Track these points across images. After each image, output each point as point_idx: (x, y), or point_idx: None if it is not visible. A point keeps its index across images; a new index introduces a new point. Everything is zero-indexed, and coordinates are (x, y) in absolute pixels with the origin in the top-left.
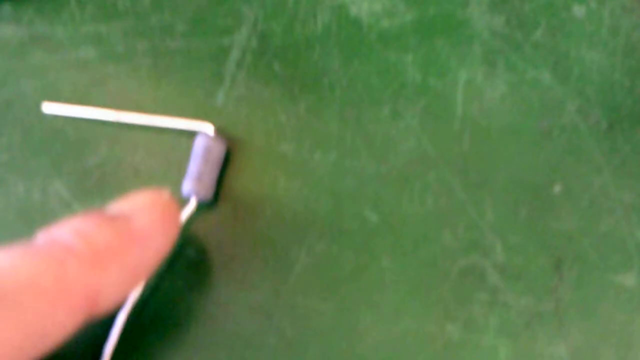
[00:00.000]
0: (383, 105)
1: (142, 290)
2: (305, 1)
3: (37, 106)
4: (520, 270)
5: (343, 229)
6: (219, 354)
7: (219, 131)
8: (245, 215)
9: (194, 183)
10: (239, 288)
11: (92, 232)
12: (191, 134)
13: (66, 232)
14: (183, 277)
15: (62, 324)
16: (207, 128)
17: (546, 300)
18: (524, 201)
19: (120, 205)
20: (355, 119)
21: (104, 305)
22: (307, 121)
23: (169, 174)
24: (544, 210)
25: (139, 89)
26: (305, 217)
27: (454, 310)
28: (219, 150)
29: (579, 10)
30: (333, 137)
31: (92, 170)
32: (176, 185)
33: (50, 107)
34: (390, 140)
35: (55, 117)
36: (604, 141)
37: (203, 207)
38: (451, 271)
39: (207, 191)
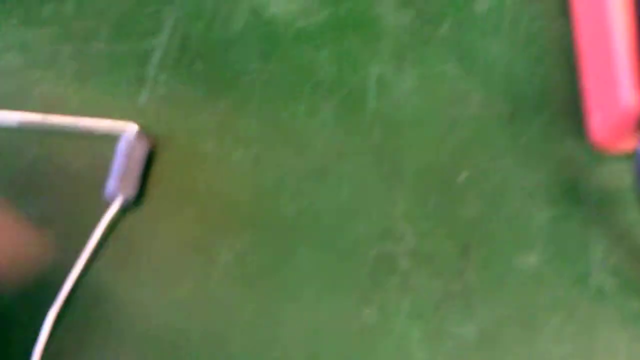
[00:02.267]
0: (300, 102)
1: (68, 291)
2: (224, 2)
3: None
4: (430, 255)
5: (263, 224)
6: (145, 351)
7: (143, 131)
8: (168, 213)
9: (118, 183)
10: (163, 285)
11: None
12: (116, 135)
13: None
14: (109, 276)
15: None
16: (130, 128)
17: (454, 282)
18: (433, 189)
19: None
20: (273, 116)
21: None
22: (228, 119)
23: (96, 174)
24: (451, 198)
25: (64, 93)
26: (227, 213)
27: (370, 295)
28: (142, 149)
29: (482, 4)
30: (253, 134)
31: (19, 174)
32: (102, 186)
33: None
34: (307, 135)
35: None
36: (506, 129)
37: (127, 206)
38: (366, 259)
39: (131, 190)
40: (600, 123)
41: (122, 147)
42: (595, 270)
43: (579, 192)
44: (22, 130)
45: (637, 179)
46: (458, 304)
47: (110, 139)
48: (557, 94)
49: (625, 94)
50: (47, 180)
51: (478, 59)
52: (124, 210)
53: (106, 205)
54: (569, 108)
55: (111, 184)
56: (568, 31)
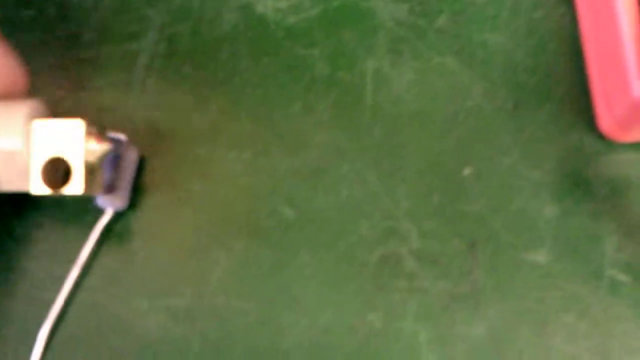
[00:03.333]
0: (294, 101)
1: (60, 305)
2: (211, 2)
3: None
4: (436, 255)
5: (260, 227)
6: None
7: (132, 138)
8: (163, 221)
9: (108, 194)
10: (160, 295)
11: None
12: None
13: None
14: (102, 288)
15: None
16: (118, 136)
17: (462, 282)
18: (436, 186)
19: None
20: (267, 116)
21: None
22: (220, 122)
23: None
24: (455, 194)
25: (49, 100)
26: (223, 218)
27: (374, 299)
28: (131, 157)
29: None
30: (246, 136)
31: None
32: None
33: None
34: (303, 135)
35: None
36: (510, 122)
37: (120, 215)
38: (369, 261)
39: (122, 200)
40: (609, 113)
41: (110, 158)
42: (607, 265)
43: (588, 184)
44: None
45: None
46: (467, 305)
47: None
48: (562, 83)
49: (634, 82)
50: None
51: (478, 51)
52: (116, 220)
53: (97, 216)
54: (575, 97)
55: (100, 197)
56: (570, 19)
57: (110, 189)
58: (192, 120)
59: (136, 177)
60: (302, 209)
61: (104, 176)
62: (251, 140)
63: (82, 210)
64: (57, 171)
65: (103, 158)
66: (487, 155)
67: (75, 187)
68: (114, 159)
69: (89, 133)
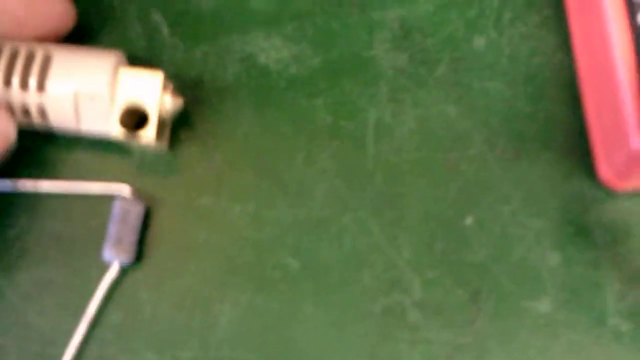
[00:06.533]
0: (297, 152)
1: (72, 358)
2: (214, 54)
3: None
4: (439, 305)
5: (266, 279)
6: None
7: (137, 191)
8: (169, 273)
9: (114, 248)
10: (166, 347)
11: None
12: (110, 197)
13: None
14: (110, 342)
15: None
16: (123, 190)
17: (466, 332)
18: (438, 235)
19: None
20: (270, 167)
21: None
22: (224, 173)
23: (91, 239)
24: (457, 243)
25: (55, 156)
26: (228, 270)
27: (379, 350)
28: (137, 211)
29: (479, 42)
30: (250, 187)
31: (12, 242)
32: (98, 249)
33: None
34: (306, 185)
35: None
36: (511, 169)
37: (126, 268)
38: (373, 311)
39: (128, 254)
40: (608, 162)
41: (116, 210)
42: (610, 314)
43: (589, 232)
44: (12, 198)
45: None
46: (470, 355)
47: (104, 201)
48: (562, 130)
49: (633, 133)
50: (41, 247)
51: (477, 99)
52: (122, 273)
53: (104, 269)
54: (575, 145)
55: (107, 250)
56: (569, 66)
57: (117, 242)
58: (196, 171)
59: (142, 230)
60: (306, 259)
61: (109, 231)
62: (255, 191)
63: (88, 265)
64: (133, 119)
65: (174, 114)
66: (488, 203)
67: (149, 133)
68: (120, 213)
69: (165, 86)
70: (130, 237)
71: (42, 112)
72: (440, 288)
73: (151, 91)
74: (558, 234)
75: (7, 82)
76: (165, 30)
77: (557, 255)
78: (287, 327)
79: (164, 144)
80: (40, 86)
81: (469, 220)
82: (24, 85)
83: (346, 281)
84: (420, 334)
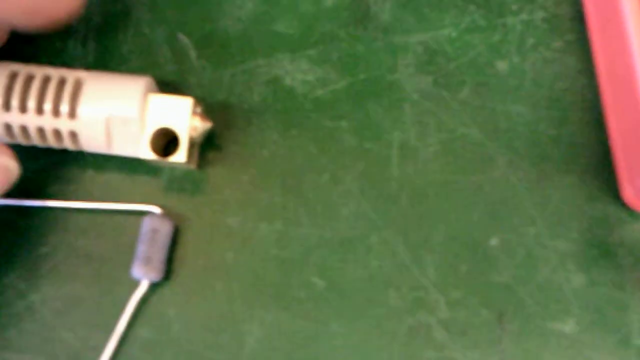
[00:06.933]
0: (322, 172)
1: None
2: (241, 76)
3: None
4: (464, 325)
5: (292, 297)
6: None
7: (166, 211)
8: (196, 291)
9: (143, 266)
10: None
11: None
12: (139, 214)
13: None
14: (140, 358)
15: None
16: (153, 209)
17: (491, 353)
18: (463, 256)
19: None
20: (296, 187)
21: None
22: (251, 193)
23: (120, 256)
24: (482, 264)
25: (85, 176)
26: (255, 288)
27: None
28: (166, 230)
29: (502, 66)
30: (277, 207)
31: (43, 258)
32: (127, 266)
33: None
34: (332, 206)
35: (5, 207)
36: (534, 192)
37: (155, 286)
38: (399, 331)
39: (157, 272)
40: (631, 184)
41: (145, 229)
42: (634, 335)
43: (613, 254)
44: (43, 214)
45: None
46: None
47: (133, 219)
48: (585, 153)
49: None
50: (70, 264)
51: (501, 122)
52: (151, 291)
53: (133, 287)
54: (598, 167)
55: (136, 268)
56: (592, 90)
57: (146, 260)
58: (223, 192)
59: (171, 248)
60: (332, 279)
61: (138, 250)
62: (281, 211)
63: (117, 283)
64: (163, 141)
65: (203, 136)
66: (512, 225)
67: (180, 155)
68: (149, 231)
69: (194, 111)
70: (159, 255)
71: (74, 137)
72: (466, 308)
73: (181, 116)
74: (582, 255)
75: (40, 109)
76: (192, 54)
77: (581, 276)
78: (313, 346)
79: (193, 165)
80: (72, 112)
81: (493, 242)
82: (56, 112)
83: (372, 301)
84: (446, 354)
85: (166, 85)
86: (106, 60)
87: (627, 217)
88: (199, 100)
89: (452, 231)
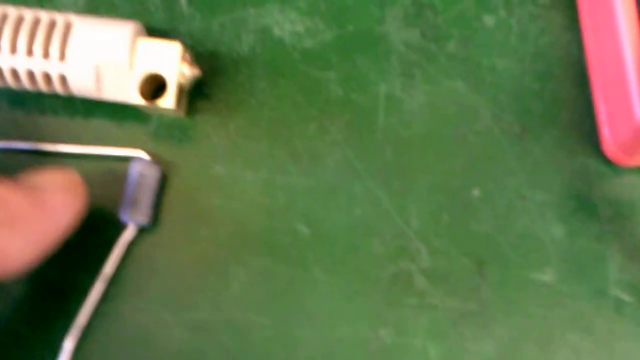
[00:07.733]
0: (309, 122)
1: (85, 318)
2: (230, 25)
3: None
4: (445, 273)
5: (277, 244)
6: None
7: (154, 157)
8: (183, 237)
9: (131, 210)
10: (180, 307)
11: (7, 196)
12: (128, 160)
13: None
14: (125, 299)
15: None
16: (141, 155)
17: (471, 300)
18: (446, 206)
19: (34, 178)
20: (283, 136)
21: (6, 265)
22: (238, 141)
23: (108, 201)
24: (464, 214)
25: (73, 121)
26: (241, 235)
27: (386, 315)
28: (153, 176)
29: (488, 20)
30: (263, 155)
31: None
32: (115, 211)
33: None
34: (317, 155)
35: None
36: (517, 144)
37: (143, 231)
38: (381, 278)
39: (145, 217)
40: (613, 138)
41: (132, 174)
42: (611, 285)
43: (593, 206)
44: (30, 158)
45: None
46: (475, 322)
47: (121, 165)
48: (568, 108)
49: (637, 109)
50: None
51: (486, 75)
52: (139, 236)
53: (121, 231)
54: (581, 122)
55: (124, 212)
56: (577, 45)
57: (133, 204)
58: (211, 139)
59: (158, 195)
60: (316, 226)
61: (125, 195)
62: (268, 159)
63: (106, 226)
64: (151, 87)
65: (192, 83)
66: (494, 176)
67: (168, 101)
68: (136, 176)
69: (183, 57)
70: (147, 200)
71: (63, 80)
72: (447, 257)
73: (169, 61)
74: (562, 207)
75: (30, 50)
76: (182, 1)
77: (561, 227)
78: (296, 291)
79: (181, 112)
80: (62, 55)
81: (475, 192)
82: (46, 54)
83: (355, 248)
84: (427, 300)
85: (156, 32)
86: (97, 4)
87: (607, 171)
88: (188, 48)
89: (435, 181)
